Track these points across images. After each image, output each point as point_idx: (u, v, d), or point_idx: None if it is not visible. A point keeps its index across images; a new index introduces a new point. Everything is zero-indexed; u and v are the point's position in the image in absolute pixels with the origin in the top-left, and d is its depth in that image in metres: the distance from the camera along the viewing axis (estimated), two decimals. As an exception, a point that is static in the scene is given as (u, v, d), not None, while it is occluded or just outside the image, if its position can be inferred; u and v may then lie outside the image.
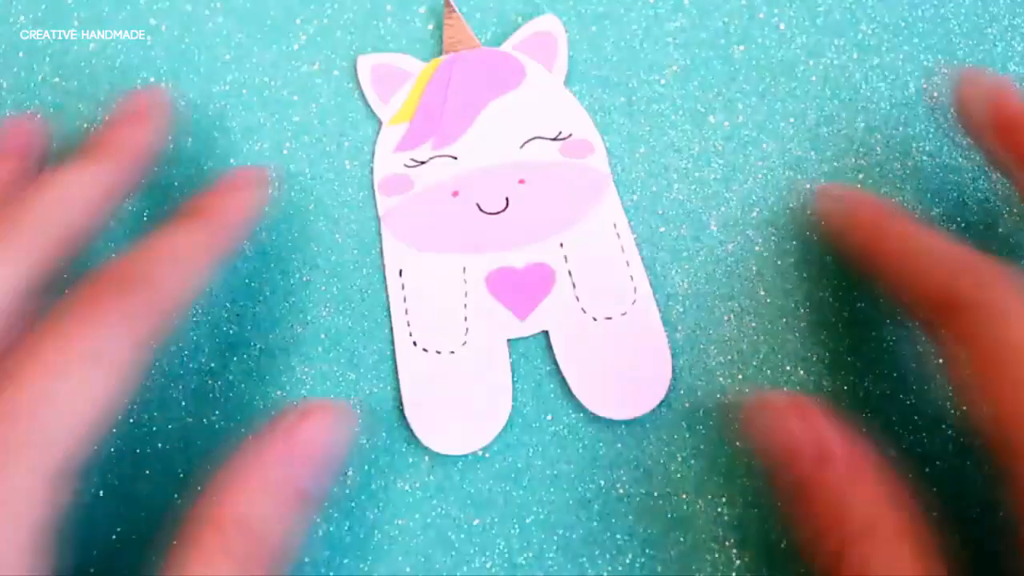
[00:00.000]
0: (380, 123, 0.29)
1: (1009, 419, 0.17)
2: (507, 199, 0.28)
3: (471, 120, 0.28)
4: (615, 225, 0.27)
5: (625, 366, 0.26)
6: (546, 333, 0.27)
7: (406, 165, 0.28)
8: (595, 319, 0.27)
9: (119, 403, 0.19)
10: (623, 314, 0.27)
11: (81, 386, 0.18)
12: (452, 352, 0.26)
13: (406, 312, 0.27)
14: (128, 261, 0.21)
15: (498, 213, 0.28)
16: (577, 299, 0.27)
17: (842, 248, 0.25)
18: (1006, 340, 0.18)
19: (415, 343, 0.27)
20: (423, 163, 0.28)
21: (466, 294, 0.27)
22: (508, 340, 0.27)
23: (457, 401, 0.26)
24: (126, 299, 0.20)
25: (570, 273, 0.27)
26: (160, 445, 0.27)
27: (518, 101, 0.29)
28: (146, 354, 0.20)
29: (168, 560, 0.19)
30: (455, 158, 0.28)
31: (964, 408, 0.19)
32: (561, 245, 0.27)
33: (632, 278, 0.27)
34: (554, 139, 0.28)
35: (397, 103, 0.29)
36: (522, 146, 0.28)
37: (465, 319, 0.27)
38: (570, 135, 0.28)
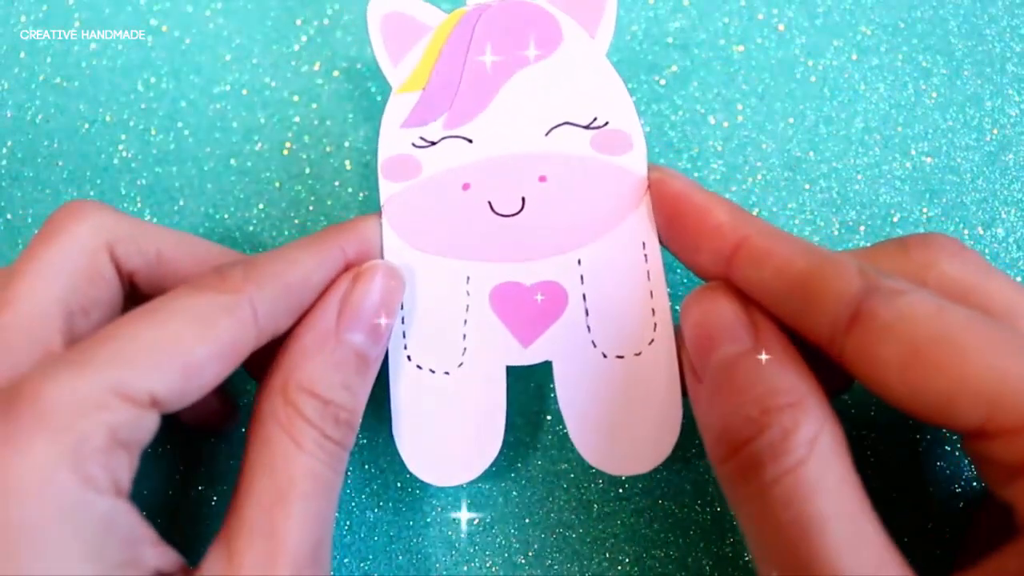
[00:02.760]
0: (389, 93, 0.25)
1: (978, 380, 0.17)
2: (523, 199, 0.24)
3: (492, 94, 0.24)
4: (644, 245, 0.23)
5: (631, 416, 0.23)
6: (549, 364, 0.24)
7: (415, 145, 0.24)
8: (605, 356, 0.23)
9: (210, 369, 0.19)
10: (637, 354, 0.23)
11: (173, 336, 0.19)
12: (447, 373, 0.24)
13: (402, 320, 0.24)
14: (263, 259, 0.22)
15: (512, 216, 0.24)
16: (588, 330, 0.23)
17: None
18: (925, 316, 0.17)
19: (409, 357, 0.24)
20: (434, 144, 0.24)
21: (467, 308, 0.24)
22: (507, 367, 0.24)
23: (447, 429, 0.24)
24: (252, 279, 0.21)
25: (584, 297, 0.23)
26: (159, 448, 0.27)
27: (550, 73, 0.24)
28: (246, 341, 0.20)
29: (249, 437, 0.20)
30: (470, 141, 0.24)
31: (897, 402, 0.18)
32: (579, 263, 0.23)
33: (654, 312, 0.23)
34: (587, 127, 0.24)
35: (409, 65, 0.24)
36: (548, 133, 0.24)
37: (464, 337, 0.24)
38: (606, 124, 0.24)
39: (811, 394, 0.19)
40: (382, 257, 0.24)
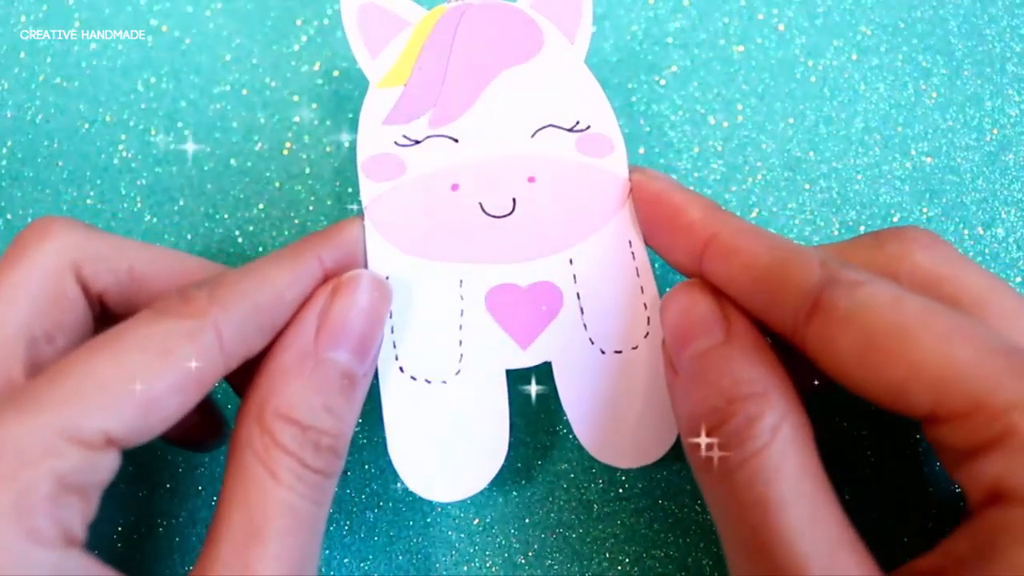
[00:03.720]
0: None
1: (929, 367, 0.17)
2: (514, 200, 0.24)
3: (477, 93, 0.24)
4: (630, 243, 0.24)
5: (634, 409, 0.23)
6: (549, 364, 0.24)
7: (397, 143, 0.24)
8: (603, 352, 0.23)
9: (171, 402, 0.18)
10: (634, 348, 0.23)
11: (129, 370, 0.18)
12: (444, 382, 0.23)
13: (392, 330, 0.23)
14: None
15: (503, 217, 0.24)
16: (585, 327, 0.23)
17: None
18: (882, 305, 0.18)
19: (402, 368, 0.23)
20: (418, 142, 0.24)
21: (462, 313, 0.23)
22: (507, 371, 0.23)
23: (448, 441, 0.23)
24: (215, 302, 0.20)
25: (578, 296, 0.23)
26: (158, 451, 0.27)
27: (532, 76, 0.24)
28: (212, 369, 0.19)
29: (227, 466, 0.19)
30: (456, 140, 0.24)
31: (850, 388, 0.19)
32: (571, 262, 0.24)
33: (646, 307, 0.23)
34: (570, 130, 0.24)
35: (389, 59, 0.24)
36: (533, 135, 0.24)
37: (460, 343, 0.23)
38: (588, 127, 0.24)
39: (777, 385, 0.19)
40: (366, 263, 0.23)
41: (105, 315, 0.22)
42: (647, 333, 0.23)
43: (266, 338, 0.21)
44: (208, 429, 0.25)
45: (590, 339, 0.23)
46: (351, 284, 0.21)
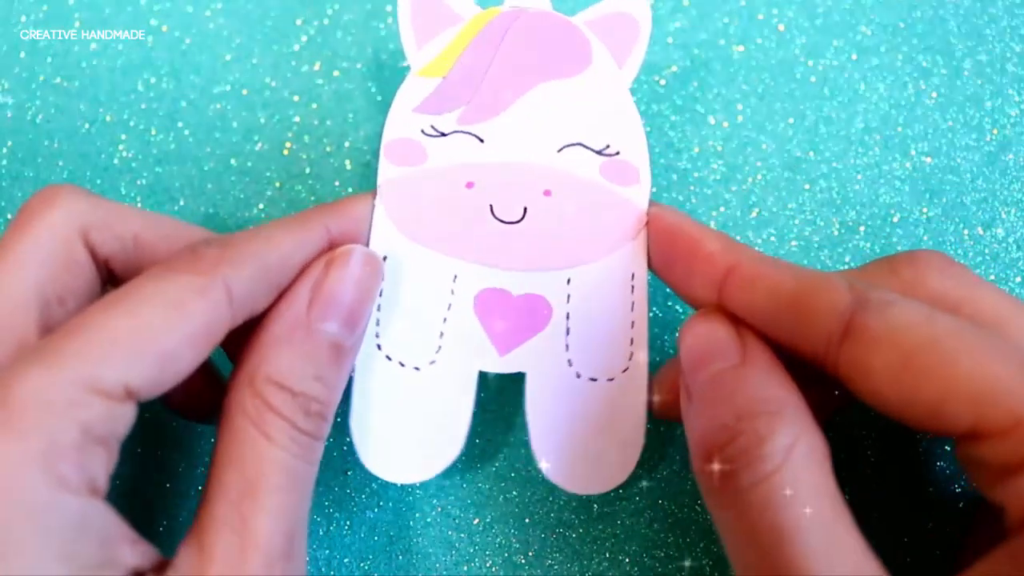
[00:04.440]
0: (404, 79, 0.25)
1: (968, 383, 0.17)
2: (525, 209, 0.24)
3: (512, 99, 0.24)
4: (633, 276, 0.24)
5: (594, 438, 0.23)
6: (523, 375, 0.23)
7: (424, 132, 0.24)
8: (579, 376, 0.23)
9: (184, 355, 0.19)
10: (610, 379, 0.23)
11: (145, 324, 0.18)
12: (417, 369, 0.23)
13: (379, 308, 0.23)
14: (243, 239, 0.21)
15: (511, 224, 0.24)
16: (567, 348, 0.23)
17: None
18: (914, 324, 0.18)
19: (379, 346, 0.23)
20: (444, 135, 0.24)
21: (449, 307, 0.24)
22: (480, 372, 0.23)
23: (407, 425, 0.23)
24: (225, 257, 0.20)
25: (568, 316, 0.23)
26: (159, 451, 0.27)
27: (572, 93, 0.24)
28: (221, 324, 0.20)
29: (219, 430, 0.20)
30: (481, 140, 0.24)
31: (887, 409, 0.18)
32: (568, 282, 0.24)
33: (632, 342, 0.23)
34: (599, 152, 0.24)
35: (434, 50, 0.24)
36: (560, 150, 0.24)
37: (441, 335, 0.24)
38: (617, 153, 0.24)
39: (791, 405, 0.19)
40: (368, 240, 0.24)
41: (112, 281, 0.22)
42: (626, 368, 0.23)
43: (271, 297, 0.21)
44: (208, 393, 0.25)
45: (568, 360, 0.23)
46: (344, 258, 0.22)
